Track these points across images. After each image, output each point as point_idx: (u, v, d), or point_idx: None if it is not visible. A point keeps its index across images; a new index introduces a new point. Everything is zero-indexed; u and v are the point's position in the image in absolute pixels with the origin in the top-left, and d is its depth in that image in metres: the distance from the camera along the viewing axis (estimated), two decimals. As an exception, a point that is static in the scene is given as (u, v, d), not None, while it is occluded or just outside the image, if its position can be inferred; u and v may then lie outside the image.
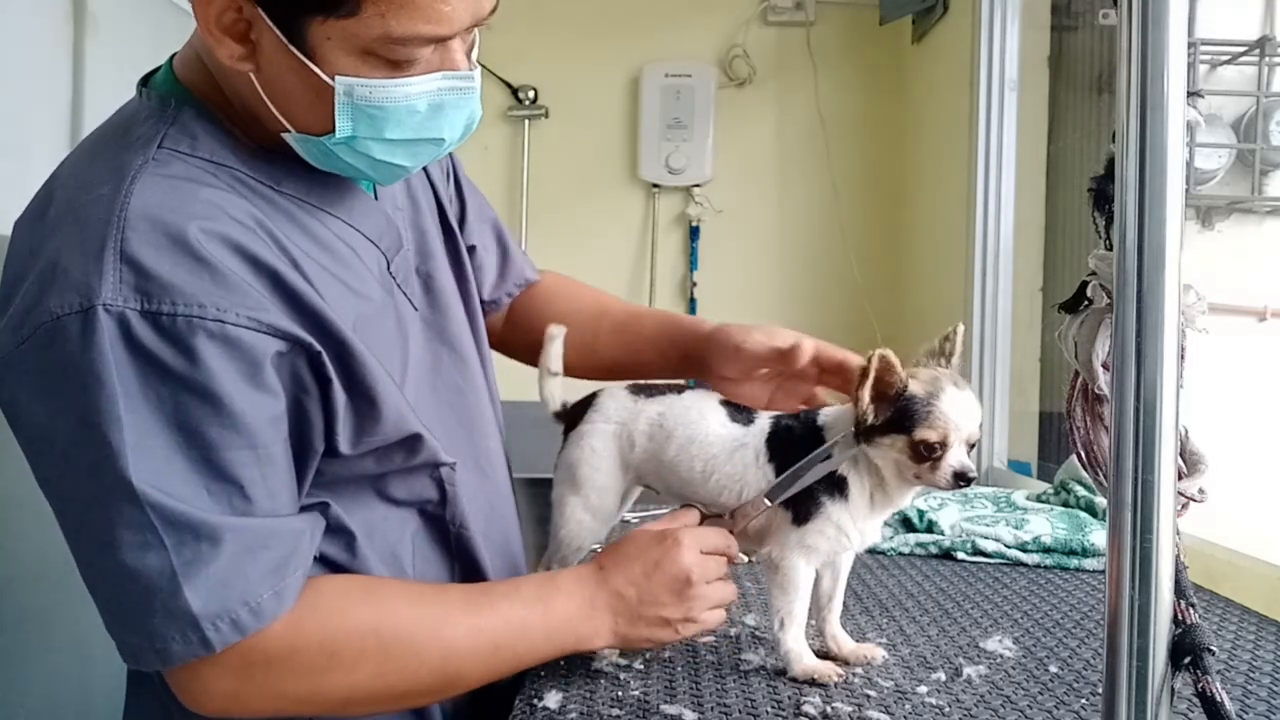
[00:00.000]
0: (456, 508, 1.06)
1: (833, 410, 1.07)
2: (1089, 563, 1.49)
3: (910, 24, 3.09)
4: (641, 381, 1.17)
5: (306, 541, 0.90)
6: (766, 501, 1.03)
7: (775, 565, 1.04)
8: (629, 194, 3.31)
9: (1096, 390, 0.76)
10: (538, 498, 1.25)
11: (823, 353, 1.16)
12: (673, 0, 3.27)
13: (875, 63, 3.25)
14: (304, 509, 0.93)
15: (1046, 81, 2.56)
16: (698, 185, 3.27)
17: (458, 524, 1.07)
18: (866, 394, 0.98)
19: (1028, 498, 1.84)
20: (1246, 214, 2.25)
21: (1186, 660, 0.64)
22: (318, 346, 0.90)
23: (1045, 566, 1.50)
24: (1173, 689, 0.65)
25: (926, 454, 0.97)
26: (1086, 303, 0.77)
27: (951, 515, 1.64)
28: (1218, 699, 0.65)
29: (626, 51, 3.27)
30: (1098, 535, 1.52)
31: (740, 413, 1.09)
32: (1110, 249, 0.66)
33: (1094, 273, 0.74)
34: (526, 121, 3.27)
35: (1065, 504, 1.76)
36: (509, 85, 3.25)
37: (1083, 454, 0.78)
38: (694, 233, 3.28)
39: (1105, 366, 0.75)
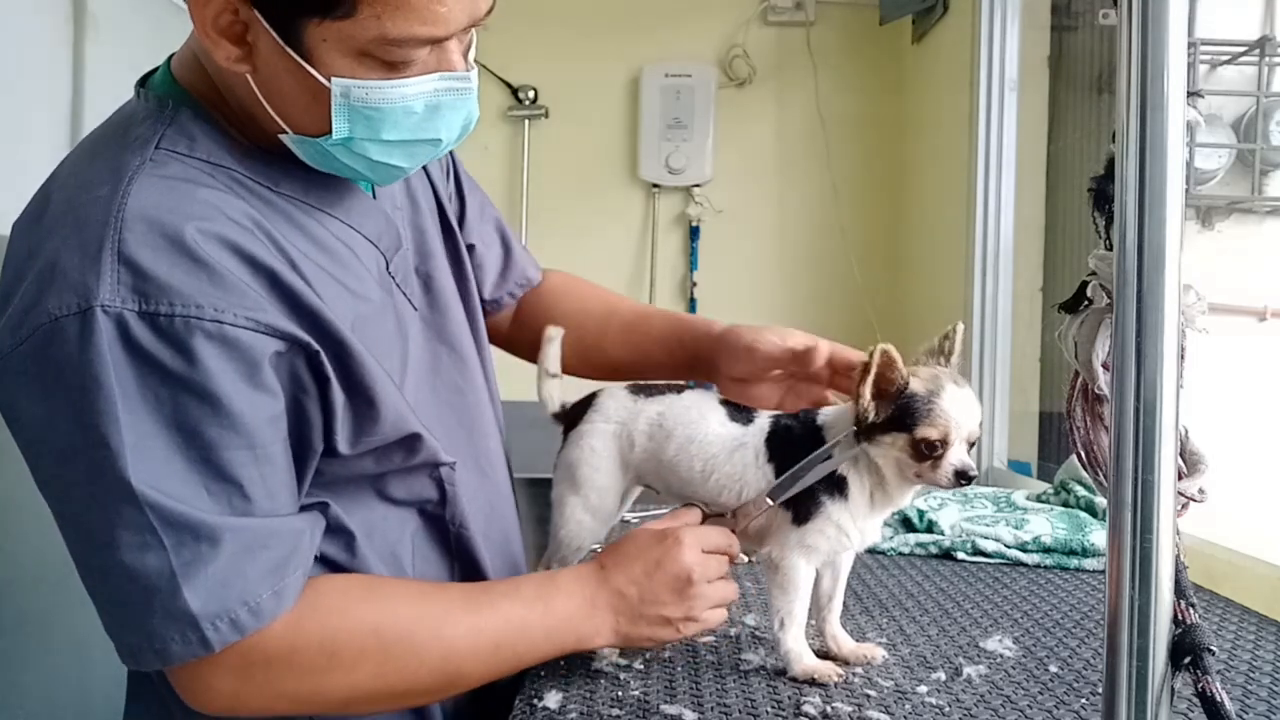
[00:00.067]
0: (456, 507, 1.06)
1: (832, 410, 1.07)
2: (1089, 563, 1.49)
3: (910, 24, 3.09)
4: (641, 381, 1.17)
5: (306, 541, 0.90)
6: (769, 501, 1.03)
7: (775, 565, 1.04)
8: (629, 194, 3.31)
9: (1096, 390, 0.76)
10: (538, 498, 1.25)
11: (837, 354, 1.15)
12: (673, 0, 3.27)
13: (875, 63, 3.25)
14: (304, 509, 0.93)
15: (1046, 81, 2.56)
16: (698, 185, 3.27)
17: (457, 524, 1.07)
18: (868, 391, 0.98)
19: (1028, 498, 1.84)
20: (1246, 214, 2.25)
21: (1186, 660, 0.64)
22: (316, 346, 0.90)
23: (1045, 566, 1.50)
24: (1173, 689, 0.65)
25: (927, 452, 0.97)
26: (1086, 303, 0.77)
27: (951, 515, 1.64)
28: (1218, 699, 0.65)
29: (626, 51, 3.27)
30: (1098, 535, 1.52)
31: (740, 412, 1.09)
32: (1110, 249, 0.66)
33: (1094, 273, 0.74)
34: (526, 121, 3.27)
35: (1065, 504, 1.76)
36: (509, 85, 3.26)
37: (1083, 454, 0.78)
38: (694, 233, 3.28)
39: (1105, 366, 0.75)
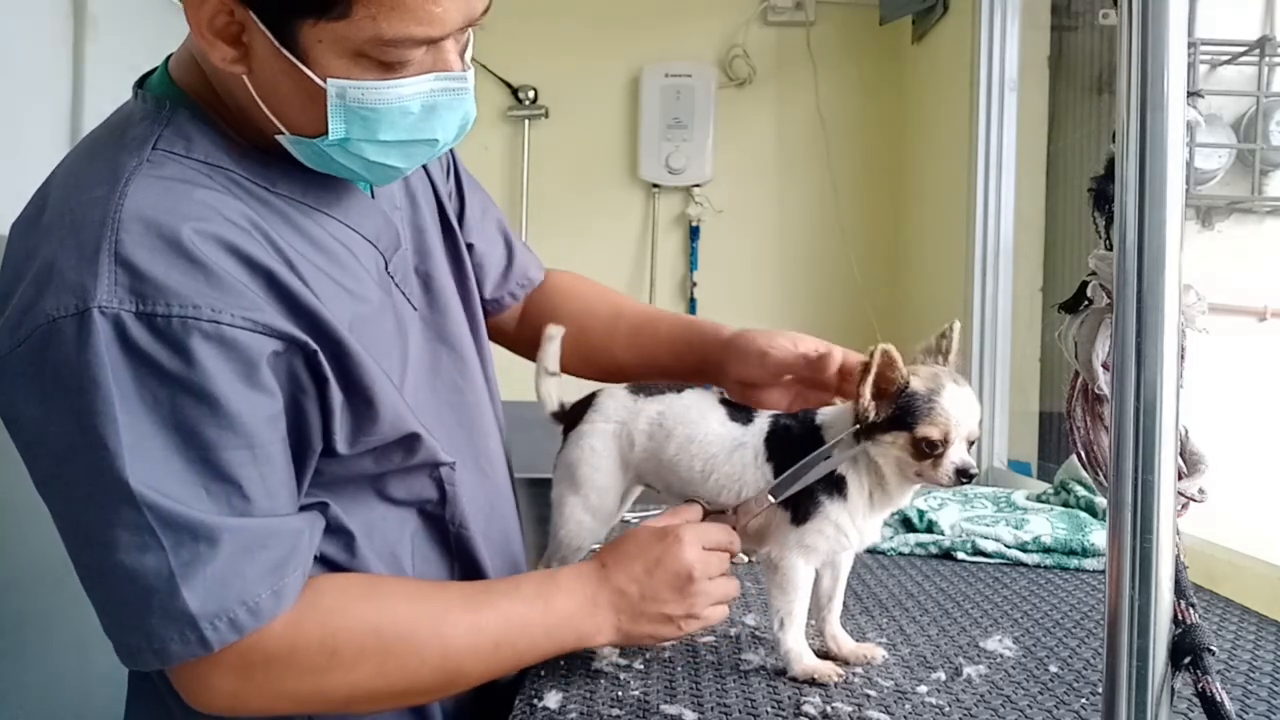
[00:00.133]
0: (456, 507, 1.06)
1: (831, 410, 1.07)
2: (1089, 563, 1.49)
3: (910, 24, 3.10)
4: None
5: (305, 541, 0.90)
6: (770, 498, 1.03)
7: (775, 565, 1.04)
8: (629, 194, 3.31)
9: (1096, 390, 0.76)
10: (538, 498, 1.24)
11: (849, 361, 1.14)
12: (673, 0, 3.27)
13: (875, 63, 3.25)
14: (303, 509, 0.93)
15: (1046, 81, 2.56)
16: (698, 185, 3.27)
17: (457, 523, 1.07)
18: (868, 390, 0.98)
19: (1028, 498, 1.84)
20: (1246, 214, 2.25)
21: (1186, 660, 0.64)
22: (314, 346, 0.90)
23: (1045, 566, 1.50)
24: (1173, 689, 0.65)
25: (928, 451, 0.97)
26: (1086, 303, 0.77)
27: (951, 515, 1.64)
28: (1218, 699, 0.65)
29: (626, 51, 3.27)
30: (1098, 535, 1.52)
31: (739, 412, 1.09)
32: (1110, 249, 0.66)
33: (1094, 273, 0.74)
34: (526, 121, 3.27)
35: (1065, 504, 1.76)
36: (509, 85, 3.26)
37: (1083, 454, 0.78)
38: (694, 233, 3.28)
39: (1105, 366, 0.75)
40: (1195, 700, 0.66)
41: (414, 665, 0.92)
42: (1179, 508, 0.67)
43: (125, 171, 0.88)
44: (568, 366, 1.25)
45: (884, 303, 3.18)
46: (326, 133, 0.90)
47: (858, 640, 1.12)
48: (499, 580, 1.07)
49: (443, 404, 1.09)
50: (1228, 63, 2.19)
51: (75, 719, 1.77)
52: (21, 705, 1.64)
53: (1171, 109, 0.63)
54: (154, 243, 0.84)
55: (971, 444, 0.98)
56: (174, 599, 0.82)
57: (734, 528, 1.04)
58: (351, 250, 1.00)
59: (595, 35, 3.27)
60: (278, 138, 0.94)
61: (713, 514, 1.06)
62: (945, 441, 0.96)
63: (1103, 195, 0.71)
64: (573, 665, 1.05)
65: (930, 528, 1.61)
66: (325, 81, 0.88)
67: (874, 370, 0.97)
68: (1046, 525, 1.59)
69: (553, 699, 0.98)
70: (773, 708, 0.96)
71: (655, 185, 3.28)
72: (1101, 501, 1.66)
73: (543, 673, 1.04)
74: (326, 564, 0.97)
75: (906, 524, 1.63)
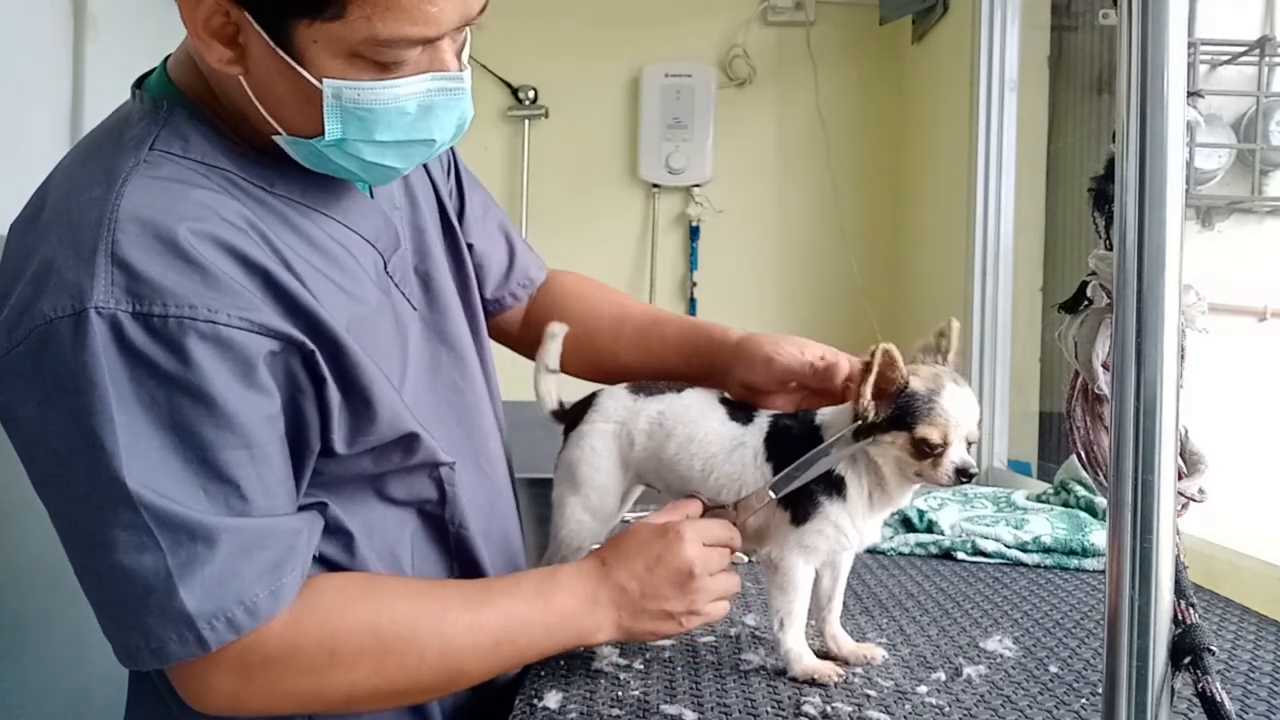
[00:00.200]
0: (456, 507, 1.06)
1: (831, 410, 1.07)
2: (1089, 563, 1.49)
3: (910, 24, 3.10)
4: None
5: (304, 541, 0.90)
6: (771, 494, 1.03)
7: (774, 565, 1.04)
8: (629, 194, 3.31)
9: (1096, 390, 0.76)
10: (538, 498, 1.24)
11: (855, 369, 1.14)
12: (673, 0, 3.27)
13: (875, 63, 3.25)
14: (302, 509, 0.93)
15: (1046, 81, 2.56)
16: (698, 185, 3.27)
17: (457, 524, 1.07)
18: (868, 390, 0.97)
19: (1028, 498, 1.84)
20: (1246, 214, 2.25)
21: (1186, 660, 0.64)
22: (311, 345, 0.90)
23: (1045, 566, 1.50)
24: (1173, 689, 0.65)
25: (928, 451, 0.97)
26: (1086, 303, 0.77)
27: (951, 515, 1.64)
28: (1218, 699, 0.65)
29: (626, 51, 3.27)
30: (1098, 535, 1.52)
31: (739, 411, 1.09)
32: (1110, 249, 0.66)
33: (1094, 273, 0.75)
34: (526, 121, 3.27)
35: (1065, 504, 1.76)
36: (509, 85, 3.26)
37: (1083, 454, 0.78)
38: (694, 233, 3.28)
39: (1105, 366, 0.75)
40: (1195, 700, 0.66)
41: (413, 664, 0.92)
42: (1179, 508, 0.67)
43: (122, 172, 0.88)
44: (572, 368, 1.25)
45: (884, 303, 3.18)
46: (323, 133, 0.90)
47: (858, 640, 1.12)
48: (499, 578, 1.06)
49: (442, 404, 1.09)
50: (1228, 63, 2.19)
51: (74, 718, 1.77)
52: (21, 705, 1.64)
53: (1171, 109, 0.63)
54: (150, 243, 0.84)
55: (971, 444, 0.98)
56: (172, 599, 0.82)
57: (734, 523, 1.04)
58: (350, 250, 1.00)
59: (595, 35, 3.27)
60: (275, 138, 0.93)
61: (713, 509, 1.06)
62: (945, 442, 0.96)
63: (1103, 195, 0.71)
64: (573, 665, 1.05)
65: (930, 528, 1.61)
66: (321, 82, 0.88)
67: (875, 370, 0.97)
68: (1046, 525, 1.59)
69: (553, 699, 0.98)
70: (773, 708, 0.96)
71: (655, 185, 3.28)
72: (1101, 501, 1.66)
73: (543, 672, 1.04)
74: (326, 564, 0.97)
75: (906, 524, 1.63)
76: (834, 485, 1.02)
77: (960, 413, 0.97)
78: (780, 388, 1.13)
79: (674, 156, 3.22)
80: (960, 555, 1.55)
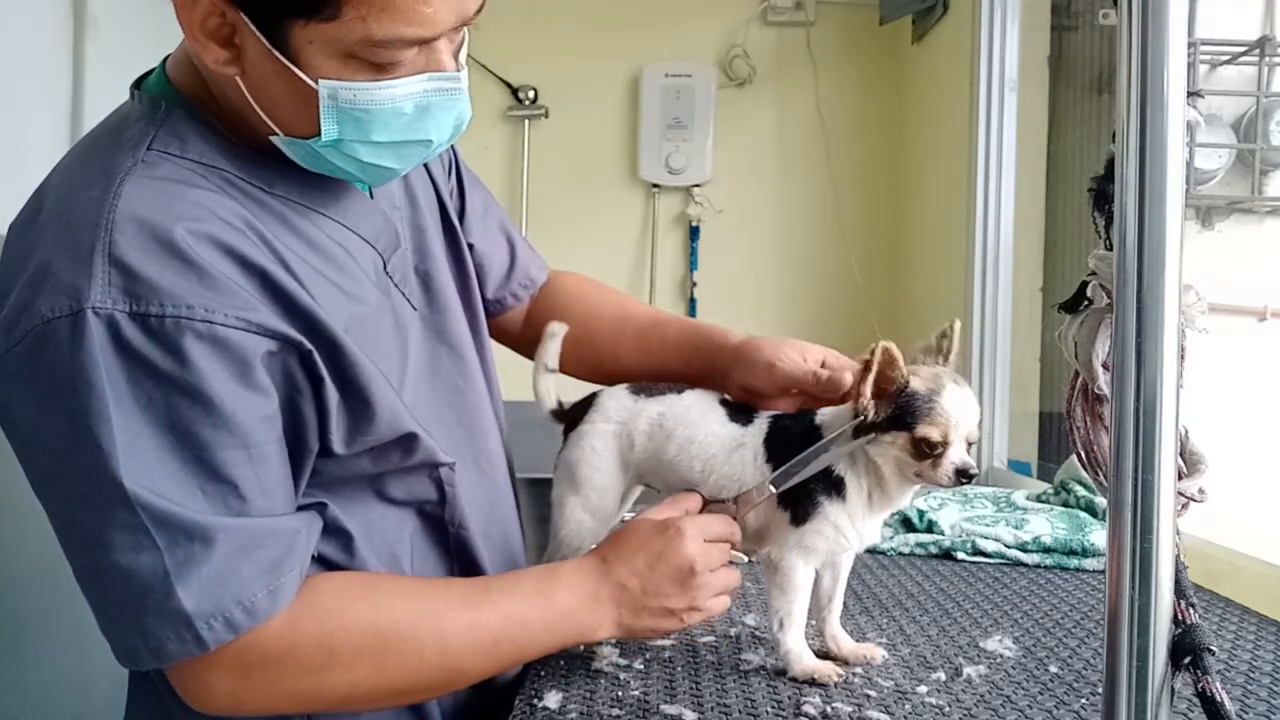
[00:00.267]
0: (455, 508, 1.06)
1: (830, 410, 1.07)
2: (1089, 563, 1.49)
3: (910, 24, 3.10)
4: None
5: (302, 540, 0.90)
6: (771, 488, 1.03)
7: (774, 566, 1.04)
8: (629, 194, 3.31)
9: (1096, 390, 0.76)
10: (538, 498, 1.24)
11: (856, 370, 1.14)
12: (673, 0, 3.27)
13: (875, 63, 3.25)
14: (301, 509, 0.93)
15: (1046, 81, 2.56)
16: (698, 185, 3.27)
17: (457, 524, 1.07)
18: (868, 389, 0.97)
19: (1028, 498, 1.84)
20: (1246, 214, 2.25)
21: (1186, 660, 0.64)
22: (308, 345, 0.89)
23: (1045, 566, 1.50)
24: (1173, 689, 0.65)
25: (928, 451, 0.97)
26: (1086, 303, 0.77)
27: (951, 515, 1.64)
28: (1218, 699, 0.65)
29: (626, 51, 3.27)
30: (1098, 535, 1.52)
31: (739, 412, 1.09)
32: (1110, 249, 0.66)
33: (1094, 273, 0.74)
34: (526, 121, 3.27)
35: (1065, 504, 1.76)
36: (509, 85, 3.25)
37: (1083, 454, 0.78)
38: (694, 233, 3.28)
39: (1105, 366, 0.75)
40: (1195, 700, 0.66)
41: (413, 663, 0.92)
42: (1179, 508, 0.67)
43: (120, 172, 0.88)
44: (572, 369, 1.25)
45: (884, 303, 3.18)
46: (319, 134, 0.90)
47: (858, 640, 1.12)
48: (499, 576, 1.06)
49: (442, 404, 1.09)
50: (1228, 63, 2.19)
51: (75, 718, 1.77)
52: (21, 705, 1.64)
53: (1171, 109, 0.63)
54: (147, 243, 0.84)
55: (971, 445, 0.98)
56: (169, 599, 0.82)
57: (734, 517, 1.04)
58: (349, 251, 1.00)
59: (595, 35, 3.27)
60: (272, 139, 0.93)
61: (712, 503, 1.06)
62: (945, 442, 0.96)
63: (1103, 195, 0.71)
64: (573, 665, 1.05)
65: (930, 528, 1.61)
66: (317, 83, 0.87)
67: (874, 369, 0.96)
68: (1046, 525, 1.59)
69: (553, 699, 0.98)
70: (773, 708, 0.96)
71: (655, 185, 3.28)
72: (1101, 501, 1.66)
73: (543, 672, 1.04)
74: (325, 564, 0.97)
75: (906, 524, 1.63)
76: (833, 486, 1.02)
77: (961, 413, 0.97)
78: (782, 393, 1.13)
79: (674, 156, 3.22)
80: (960, 555, 1.55)
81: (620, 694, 0.99)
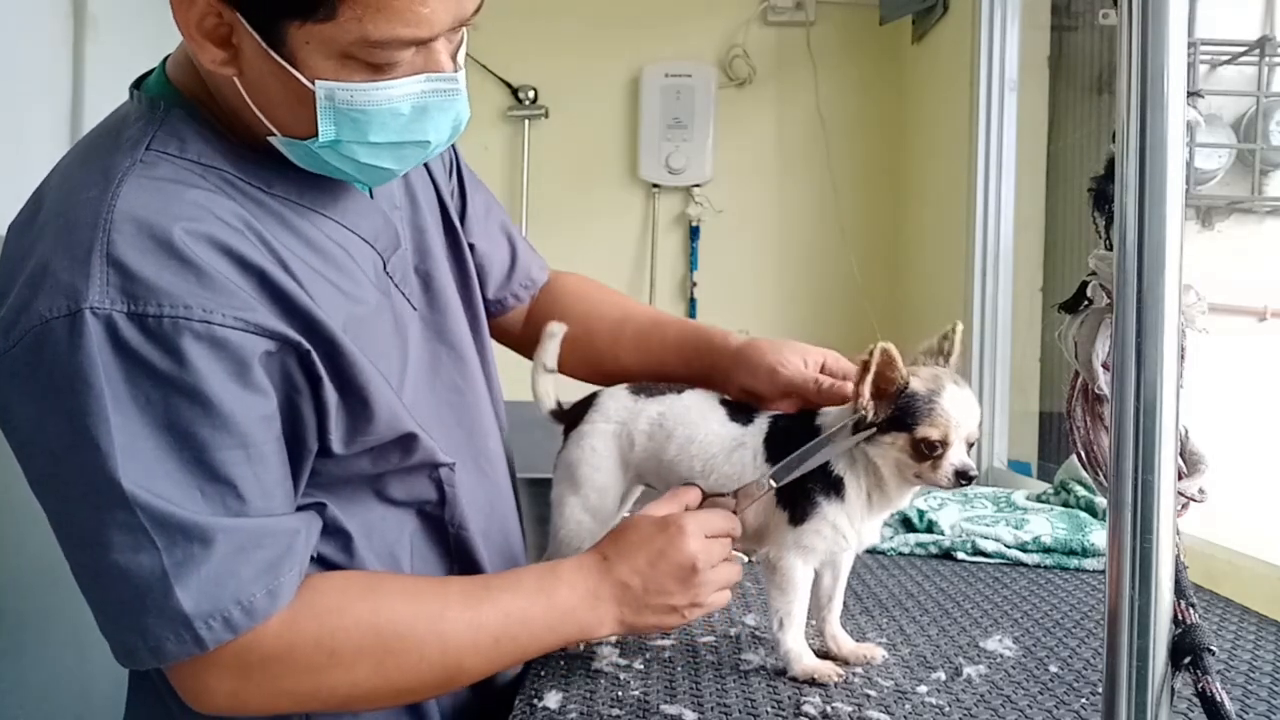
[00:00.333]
0: (455, 508, 1.06)
1: (831, 410, 1.07)
2: (1089, 563, 1.49)
3: (910, 24, 3.10)
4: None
5: (301, 540, 0.90)
6: (771, 482, 1.02)
7: (773, 566, 1.04)
8: (629, 194, 3.31)
9: (1096, 390, 0.76)
10: (538, 498, 1.24)
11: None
12: (673, 0, 3.27)
13: (875, 63, 3.25)
14: (301, 509, 0.93)
15: (1046, 81, 2.56)
16: (698, 185, 3.27)
17: (456, 524, 1.07)
18: (867, 389, 0.97)
19: (1028, 498, 1.84)
20: (1246, 214, 2.25)
21: (1186, 660, 0.64)
22: (307, 345, 0.89)
23: (1045, 566, 1.50)
24: (1173, 689, 0.65)
25: (928, 452, 0.97)
26: (1086, 303, 0.77)
27: (951, 515, 1.64)
28: (1218, 699, 0.65)
29: (626, 51, 3.27)
30: (1098, 535, 1.52)
31: (739, 412, 1.09)
32: (1110, 249, 0.66)
33: (1094, 273, 0.74)
34: (526, 121, 3.27)
35: (1065, 504, 1.76)
36: (509, 85, 3.25)
37: (1083, 454, 0.78)
38: (694, 233, 3.28)
39: (1105, 366, 0.75)
40: (1195, 700, 0.66)
41: (413, 663, 0.92)
42: (1179, 508, 0.67)
43: (118, 172, 0.88)
44: (572, 369, 1.25)
45: (884, 303, 3.18)
46: (317, 134, 0.90)
47: (858, 640, 1.12)
48: (499, 574, 1.06)
49: (442, 404, 1.09)
50: (1228, 63, 2.19)
51: (75, 718, 1.77)
52: (21, 705, 1.64)
53: (1171, 109, 0.63)
54: (145, 243, 0.84)
55: (971, 446, 0.98)
56: (168, 599, 0.82)
57: (733, 512, 1.04)
58: (348, 251, 1.00)
59: (595, 35, 3.27)
60: (270, 139, 0.93)
61: (712, 497, 1.06)
62: (945, 443, 0.96)
63: (1103, 195, 0.71)
64: (573, 665, 1.05)
65: (930, 528, 1.60)
66: (314, 83, 0.87)
67: (873, 369, 0.96)
68: (1046, 525, 1.59)
69: (553, 699, 0.98)
70: (773, 708, 0.96)
71: (655, 185, 3.28)
72: (1101, 501, 1.66)
73: (543, 672, 1.04)
74: (325, 565, 0.97)
75: (906, 524, 1.63)
76: (832, 486, 1.02)
77: (961, 413, 0.97)
78: (782, 397, 1.13)
79: (674, 156, 3.22)
80: (960, 555, 1.55)
81: (620, 694, 0.99)
